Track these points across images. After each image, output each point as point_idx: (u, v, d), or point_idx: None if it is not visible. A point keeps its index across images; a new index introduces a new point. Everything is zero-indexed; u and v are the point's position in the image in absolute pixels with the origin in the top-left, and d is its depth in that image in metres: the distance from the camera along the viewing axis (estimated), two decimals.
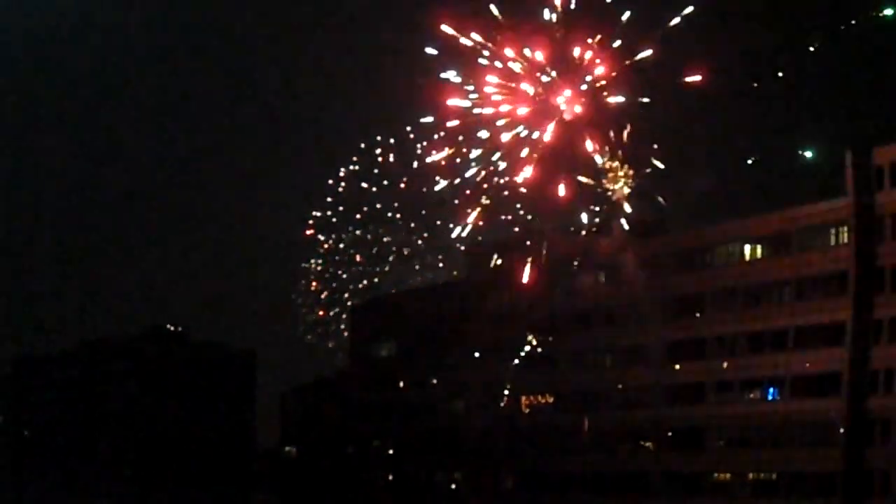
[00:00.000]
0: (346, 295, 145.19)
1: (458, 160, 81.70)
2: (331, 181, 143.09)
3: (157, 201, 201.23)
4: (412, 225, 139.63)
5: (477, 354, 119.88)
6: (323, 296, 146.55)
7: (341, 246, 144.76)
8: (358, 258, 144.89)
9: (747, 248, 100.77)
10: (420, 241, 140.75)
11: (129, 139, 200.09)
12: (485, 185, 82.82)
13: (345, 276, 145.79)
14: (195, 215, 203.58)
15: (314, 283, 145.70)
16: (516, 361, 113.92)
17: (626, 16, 73.23)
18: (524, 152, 77.20)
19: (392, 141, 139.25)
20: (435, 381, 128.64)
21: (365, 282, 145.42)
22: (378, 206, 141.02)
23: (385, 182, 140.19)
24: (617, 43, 73.53)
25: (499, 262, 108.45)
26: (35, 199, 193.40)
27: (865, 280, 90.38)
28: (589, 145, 75.80)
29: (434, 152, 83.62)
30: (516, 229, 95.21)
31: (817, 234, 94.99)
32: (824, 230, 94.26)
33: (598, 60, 73.43)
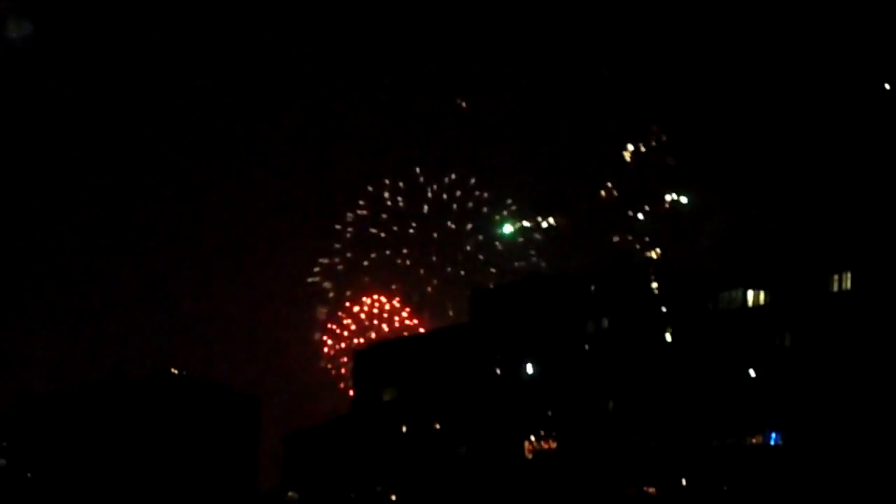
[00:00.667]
0: (354, 342, 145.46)
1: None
2: (338, 226, 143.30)
3: (162, 244, 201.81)
4: (421, 272, 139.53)
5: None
6: (328, 344, 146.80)
7: (348, 293, 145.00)
8: (364, 312, 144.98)
9: (750, 294, 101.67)
10: (429, 288, 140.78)
11: (136, 189, 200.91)
12: None
13: (353, 326, 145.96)
14: (200, 259, 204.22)
15: (318, 334, 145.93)
16: None
17: None
18: None
19: (401, 184, 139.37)
20: (438, 426, 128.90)
21: (373, 334, 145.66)
22: (387, 252, 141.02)
23: (395, 227, 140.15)
24: None
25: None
26: (38, 235, 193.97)
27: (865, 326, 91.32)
28: None
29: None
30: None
31: (818, 281, 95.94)
32: (826, 276, 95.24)
33: None
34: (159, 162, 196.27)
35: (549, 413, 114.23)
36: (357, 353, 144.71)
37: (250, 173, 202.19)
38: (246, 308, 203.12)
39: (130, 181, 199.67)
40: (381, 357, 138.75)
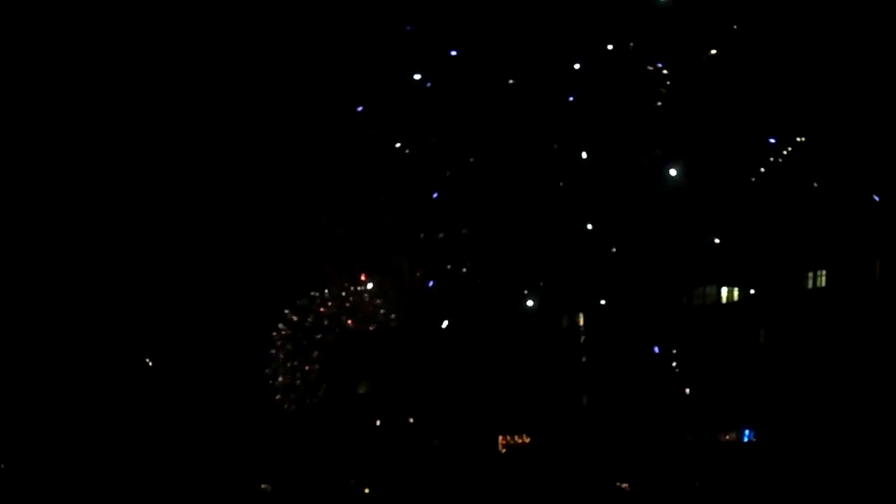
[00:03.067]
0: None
1: None
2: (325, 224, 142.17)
3: (145, 239, 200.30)
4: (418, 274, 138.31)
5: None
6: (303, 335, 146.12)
7: (326, 291, 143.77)
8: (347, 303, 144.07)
9: (724, 291, 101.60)
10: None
11: (122, 186, 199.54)
12: None
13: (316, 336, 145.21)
14: (169, 253, 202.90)
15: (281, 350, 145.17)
16: None
17: None
18: None
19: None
20: (412, 420, 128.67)
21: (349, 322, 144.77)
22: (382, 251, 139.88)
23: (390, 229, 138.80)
24: None
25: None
26: (18, 227, 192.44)
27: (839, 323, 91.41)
28: None
29: None
30: None
31: (794, 278, 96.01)
32: (802, 274, 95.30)
33: None
34: (144, 158, 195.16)
35: (523, 408, 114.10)
36: (329, 345, 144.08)
37: (234, 171, 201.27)
38: (224, 302, 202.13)
39: (118, 178, 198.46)
40: (353, 349, 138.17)
